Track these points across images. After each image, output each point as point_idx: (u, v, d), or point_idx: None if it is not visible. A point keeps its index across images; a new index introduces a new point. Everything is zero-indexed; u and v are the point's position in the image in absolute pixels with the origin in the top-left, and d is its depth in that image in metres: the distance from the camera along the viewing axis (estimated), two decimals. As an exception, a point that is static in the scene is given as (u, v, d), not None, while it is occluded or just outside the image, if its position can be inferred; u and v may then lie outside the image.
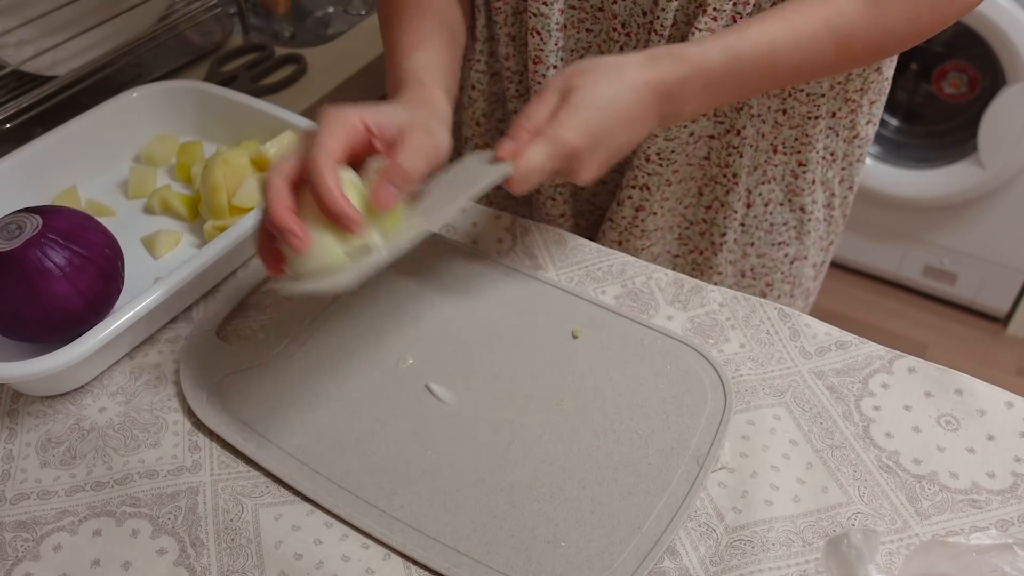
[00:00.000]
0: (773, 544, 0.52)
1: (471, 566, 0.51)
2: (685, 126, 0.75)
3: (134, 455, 0.58)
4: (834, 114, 0.77)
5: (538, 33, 0.72)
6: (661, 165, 0.77)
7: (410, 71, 0.65)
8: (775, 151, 0.78)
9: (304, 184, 0.53)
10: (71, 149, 0.78)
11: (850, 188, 0.85)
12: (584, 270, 0.70)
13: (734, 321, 0.65)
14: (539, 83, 0.75)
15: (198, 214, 0.76)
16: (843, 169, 0.83)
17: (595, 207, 0.88)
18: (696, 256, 0.86)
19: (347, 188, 0.52)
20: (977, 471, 0.56)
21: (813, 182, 0.80)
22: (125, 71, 0.99)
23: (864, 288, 1.96)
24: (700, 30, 0.66)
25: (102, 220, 0.66)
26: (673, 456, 0.56)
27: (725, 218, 0.81)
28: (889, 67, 0.78)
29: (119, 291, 0.64)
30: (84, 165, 0.79)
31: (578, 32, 0.73)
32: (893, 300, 1.94)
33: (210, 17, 1.08)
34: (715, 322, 0.65)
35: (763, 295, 0.87)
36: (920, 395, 0.60)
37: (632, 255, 0.73)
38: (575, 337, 0.64)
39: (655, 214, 0.81)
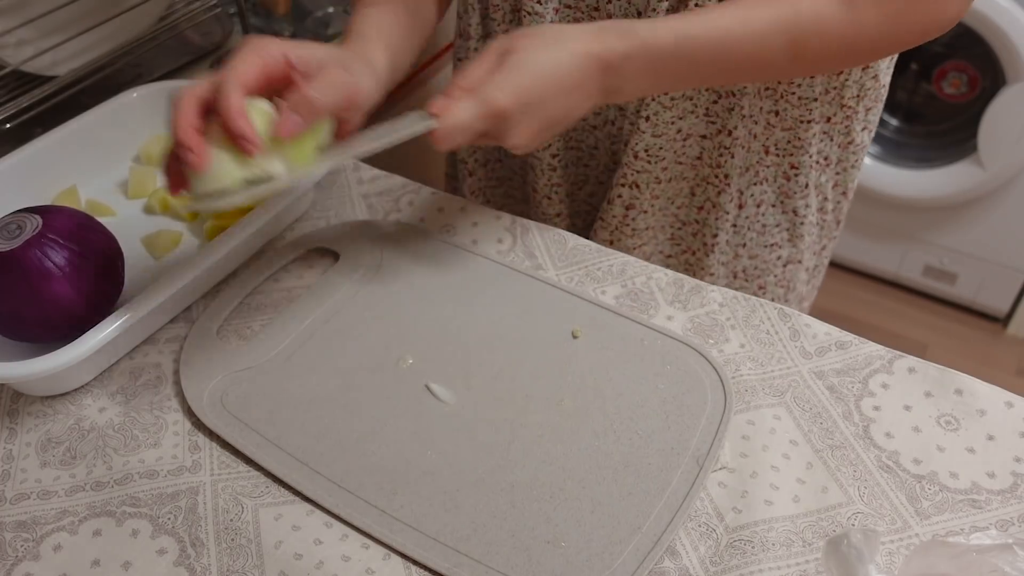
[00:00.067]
0: (773, 544, 0.52)
1: (471, 566, 0.51)
2: (673, 123, 0.75)
3: (134, 455, 0.58)
4: (829, 119, 0.77)
5: None
6: (650, 162, 0.77)
7: (356, 25, 0.65)
8: (767, 152, 0.77)
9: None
10: (71, 149, 0.78)
11: (843, 193, 0.85)
12: (584, 270, 0.70)
13: (734, 321, 0.65)
14: None
15: (198, 214, 0.76)
16: (837, 174, 0.82)
17: (591, 207, 0.88)
18: (688, 256, 0.86)
19: (256, 115, 0.53)
20: (977, 471, 0.56)
21: (806, 186, 0.79)
22: (125, 71, 0.99)
23: (864, 288, 1.96)
24: None
25: (102, 220, 0.66)
26: (673, 456, 0.56)
27: (717, 219, 0.81)
28: (886, 74, 0.78)
29: (119, 291, 0.64)
30: (84, 165, 0.79)
31: None
32: (893, 300, 1.94)
33: (210, 17, 1.08)
34: (715, 322, 0.65)
35: None
36: (920, 395, 0.60)
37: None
38: (575, 337, 0.64)
39: (646, 212, 0.81)
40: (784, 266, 0.85)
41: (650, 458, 0.56)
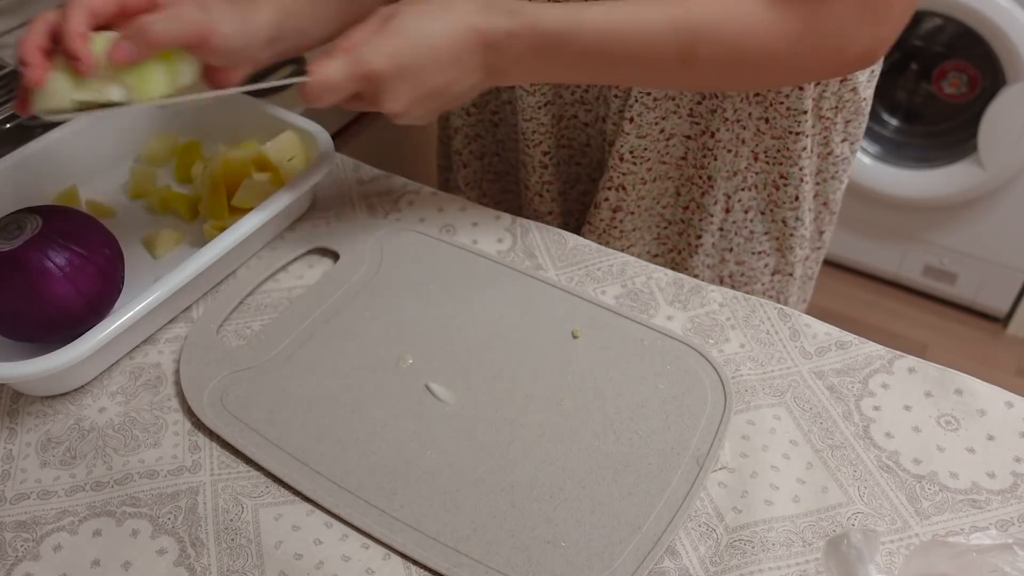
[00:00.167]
0: (773, 544, 0.52)
1: (471, 566, 0.51)
2: (656, 123, 0.75)
3: (134, 455, 0.58)
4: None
5: None
6: (635, 164, 0.77)
7: None
8: (755, 159, 0.77)
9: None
10: (71, 149, 0.78)
11: (825, 204, 0.84)
12: (584, 270, 0.70)
13: (734, 321, 0.65)
14: None
15: (198, 214, 0.75)
16: (817, 185, 0.82)
17: (584, 206, 0.88)
18: (675, 256, 0.85)
19: (100, 40, 0.55)
20: (977, 471, 0.56)
21: (796, 198, 0.79)
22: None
23: (864, 288, 1.96)
24: None
25: (102, 220, 0.66)
26: (673, 456, 0.56)
27: (701, 220, 0.81)
28: (867, 87, 0.77)
29: (119, 291, 0.64)
30: (84, 165, 0.79)
31: None
32: (893, 300, 1.94)
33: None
34: (715, 322, 0.65)
35: None
36: (920, 395, 0.60)
37: None
38: (575, 337, 0.64)
39: (632, 214, 0.81)
40: (772, 275, 0.85)
41: (650, 458, 0.56)
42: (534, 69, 0.62)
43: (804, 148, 0.76)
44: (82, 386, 0.62)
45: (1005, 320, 1.87)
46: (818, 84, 0.74)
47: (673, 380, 0.60)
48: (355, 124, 1.07)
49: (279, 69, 0.68)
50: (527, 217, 0.77)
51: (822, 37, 0.59)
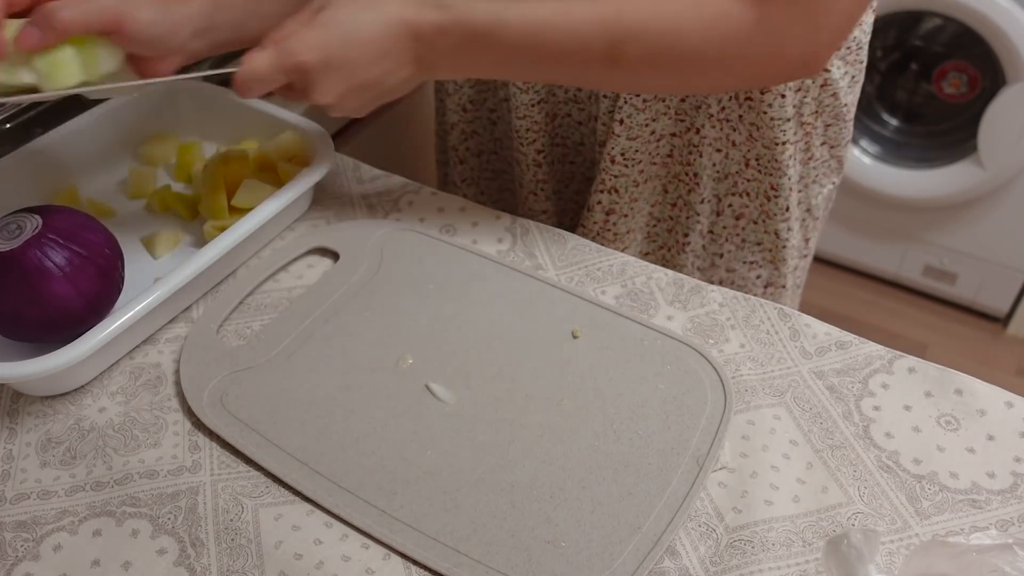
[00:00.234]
0: (773, 544, 0.52)
1: (471, 566, 0.51)
2: (647, 125, 0.75)
3: (134, 455, 0.58)
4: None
5: None
6: (627, 166, 0.77)
7: None
8: (747, 165, 0.77)
9: None
10: (71, 149, 0.78)
11: (808, 211, 0.84)
12: (584, 270, 0.70)
13: (734, 321, 0.65)
14: None
15: (198, 214, 0.75)
16: (799, 191, 0.82)
17: (579, 205, 0.88)
18: (664, 253, 0.85)
19: (13, 26, 0.56)
20: (977, 471, 0.56)
21: (787, 208, 0.79)
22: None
23: (864, 288, 1.96)
24: None
25: (102, 220, 0.66)
26: (673, 456, 0.56)
27: (688, 218, 0.81)
28: (847, 94, 0.77)
29: (119, 291, 0.64)
30: (84, 165, 0.79)
31: None
32: (893, 300, 1.94)
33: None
34: (715, 322, 0.65)
35: None
36: (920, 395, 0.60)
37: None
38: (575, 337, 0.64)
39: (626, 216, 0.81)
40: (764, 287, 0.85)
41: (650, 458, 0.56)
42: (464, 63, 0.62)
43: (790, 156, 0.76)
44: (82, 386, 0.62)
45: (1005, 320, 1.87)
46: (799, 90, 0.74)
47: (673, 380, 0.60)
48: (355, 124, 1.08)
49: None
50: (522, 216, 0.77)
51: (754, 39, 0.59)
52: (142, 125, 0.82)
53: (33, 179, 0.75)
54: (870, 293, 1.95)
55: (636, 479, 0.55)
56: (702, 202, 0.80)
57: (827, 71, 0.74)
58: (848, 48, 0.74)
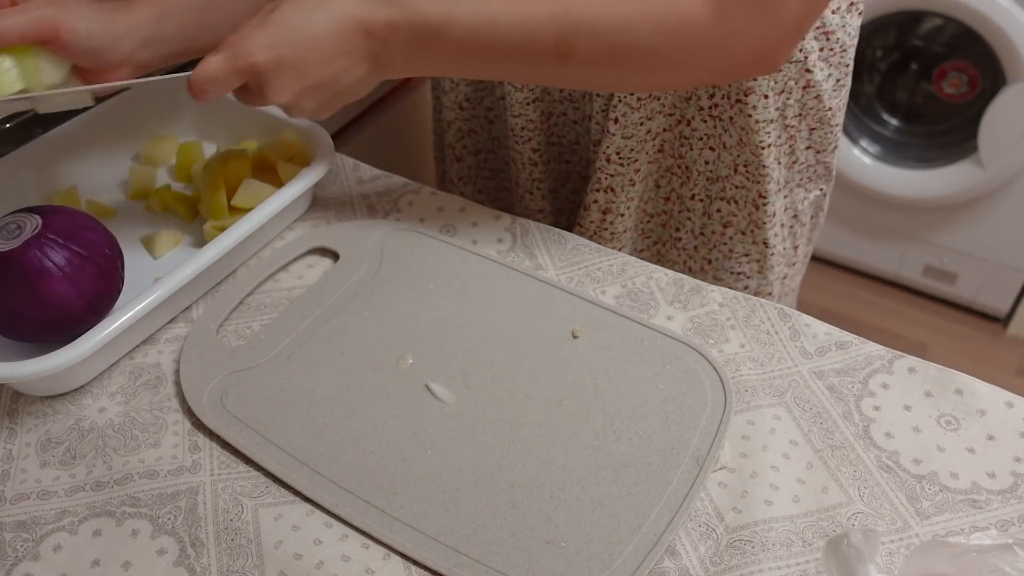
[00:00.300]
0: (773, 544, 0.52)
1: (471, 566, 0.51)
2: (642, 124, 0.75)
3: (134, 455, 0.58)
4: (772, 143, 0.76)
5: None
6: (622, 165, 0.77)
7: None
8: (735, 171, 0.77)
9: None
10: (71, 149, 0.78)
11: (795, 217, 0.83)
12: (584, 270, 0.70)
13: (734, 321, 0.65)
14: None
15: (198, 214, 0.75)
16: (785, 197, 0.81)
17: (575, 204, 0.88)
18: (660, 248, 0.85)
19: None
20: (977, 471, 0.56)
21: (774, 214, 0.79)
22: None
23: (864, 288, 1.96)
24: None
25: (102, 220, 0.66)
26: (673, 456, 0.56)
27: (680, 212, 0.81)
28: (831, 97, 0.76)
29: (119, 291, 0.64)
30: (84, 165, 0.79)
31: None
32: (893, 300, 1.94)
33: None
34: (715, 322, 0.65)
35: None
36: (920, 395, 0.60)
37: None
38: (575, 337, 0.63)
39: (623, 215, 0.80)
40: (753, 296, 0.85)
41: (650, 458, 0.56)
42: (417, 60, 0.61)
43: (775, 159, 0.76)
44: (82, 386, 0.62)
45: (1005, 320, 1.87)
46: (782, 92, 0.73)
47: (673, 380, 0.60)
48: (355, 124, 1.08)
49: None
50: (518, 215, 0.77)
51: (707, 33, 0.58)
52: (142, 125, 0.82)
53: (33, 179, 0.75)
54: (870, 293, 1.95)
55: (636, 479, 0.54)
56: (692, 198, 0.80)
57: (809, 72, 0.73)
58: (832, 50, 0.74)
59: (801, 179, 0.81)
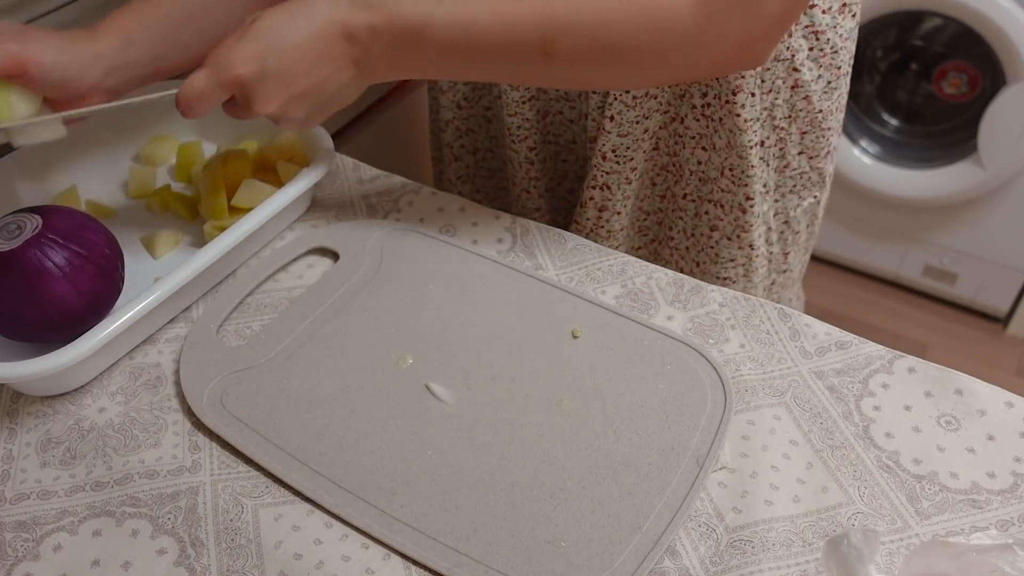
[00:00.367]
0: (773, 544, 0.52)
1: (471, 566, 0.51)
2: (639, 122, 0.75)
3: (134, 455, 0.58)
4: (762, 142, 0.76)
5: None
6: (618, 163, 0.77)
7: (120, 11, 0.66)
8: (722, 174, 0.76)
9: None
10: (71, 149, 0.78)
11: (787, 223, 0.83)
12: (584, 270, 0.70)
13: (734, 321, 0.65)
14: None
15: (198, 214, 0.76)
16: (776, 201, 0.81)
17: (572, 204, 0.88)
18: (656, 246, 0.85)
19: None
20: (977, 471, 0.56)
21: (758, 215, 0.79)
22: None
23: (864, 288, 1.96)
24: None
25: (102, 220, 0.66)
26: (673, 456, 0.56)
27: (673, 211, 0.80)
28: (823, 100, 0.76)
29: (119, 291, 0.64)
30: (84, 165, 0.79)
31: None
32: (893, 300, 1.94)
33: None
34: (715, 322, 0.65)
35: None
36: (920, 395, 0.60)
37: None
38: (575, 337, 0.63)
39: (619, 214, 0.80)
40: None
41: (650, 458, 0.56)
42: (401, 63, 0.61)
43: (761, 159, 0.76)
44: (82, 386, 0.62)
45: (1005, 320, 1.87)
46: (769, 91, 0.73)
47: (673, 380, 0.60)
48: (355, 124, 1.08)
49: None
50: (515, 214, 0.77)
51: (688, 29, 0.58)
52: (142, 125, 0.82)
53: (33, 179, 0.75)
54: (870, 293, 1.95)
55: (636, 479, 0.55)
56: (684, 197, 0.79)
57: (797, 71, 0.73)
58: (821, 51, 0.73)
59: (794, 185, 0.81)
